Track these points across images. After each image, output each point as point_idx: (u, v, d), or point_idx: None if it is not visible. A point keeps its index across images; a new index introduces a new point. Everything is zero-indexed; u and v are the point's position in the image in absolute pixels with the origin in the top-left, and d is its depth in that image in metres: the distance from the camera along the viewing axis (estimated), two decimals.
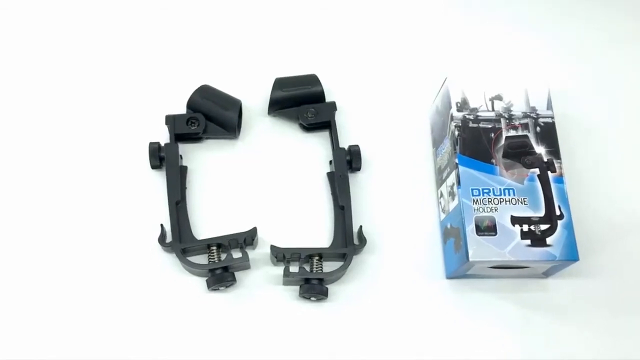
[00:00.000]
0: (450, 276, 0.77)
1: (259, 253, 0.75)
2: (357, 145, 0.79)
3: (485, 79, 0.78)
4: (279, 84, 0.79)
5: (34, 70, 0.83)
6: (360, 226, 0.75)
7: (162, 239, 0.72)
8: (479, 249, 0.70)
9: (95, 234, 0.75)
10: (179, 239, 0.72)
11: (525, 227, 0.70)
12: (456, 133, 0.75)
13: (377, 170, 0.80)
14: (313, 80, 0.80)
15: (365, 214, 0.77)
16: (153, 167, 0.76)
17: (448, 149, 0.77)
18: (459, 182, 0.73)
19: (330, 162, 0.79)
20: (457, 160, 0.74)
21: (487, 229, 0.71)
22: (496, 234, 0.71)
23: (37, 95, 0.82)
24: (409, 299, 0.74)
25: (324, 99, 0.80)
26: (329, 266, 0.73)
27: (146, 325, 0.72)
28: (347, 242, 0.74)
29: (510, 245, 0.70)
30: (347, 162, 0.77)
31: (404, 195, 0.79)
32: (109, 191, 0.77)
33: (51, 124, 0.80)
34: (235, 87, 0.80)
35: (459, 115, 0.76)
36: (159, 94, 0.81)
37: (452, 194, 0.75)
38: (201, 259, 0.73)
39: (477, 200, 0.72)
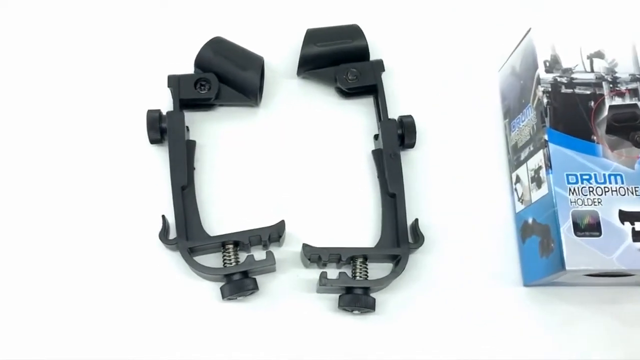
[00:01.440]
0: (530, 283, 0.61)
1: (287, 252, 0.62)
2: (410, 116, 0.65)
3: (581, 31, 0.62)
4: (312, 37, 0.65)
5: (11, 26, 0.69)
6: (416, 219, 0.62)
7: (163, 234, 0.59)
8: (579, 254, 0.54)
9: (79, 228, 0.62)
10: (186, 235, 0.59)
11: (638, 226, 0.54)
12: (545, 101, 0.58)
13: (434, 147, 0.67)
14: (355, 32, 0.65)
15: (421, 203, 0.64)
16: (152, 141, 0.63)
17: (530, 122, 0.60)
18: (549, 166, 0.56)
19: (376, 136, 0.66)
20: (546, 137, 0.57)
21: (588, 227, 0.54)
22: (600, 234, 0.54)
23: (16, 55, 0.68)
24: (476, 311, 0.61)
25: (369, 56, 0.66)
26: (375, 270, 0.61)
27: (144, 343, 0.59)
28: (400, 239, 0.61)
29: (619, 249, 0.54)
30: (398, 137, 0.64)
31: (468, 180, 0.66)
32: (96, 173, 0.64)
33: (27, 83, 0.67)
34: (255, 41, 0.67)
35: (548, 77, 0.59)
36: (159, 49, 0.68)
37: (536, 180, 0.59)
38: (214, 261, 0.61)
39: (574, 190, 0.55)
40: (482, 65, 0.69)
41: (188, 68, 0.65)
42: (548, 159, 0.57)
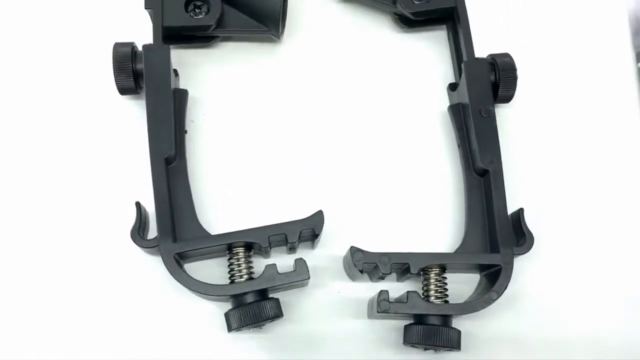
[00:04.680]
0: None
1: (323, 258, 0.46)
2: (507, 55, 0.47)
3: None
4: None
5: None
6: (520, 209, 0.44)
7: (138, 231, 0.43)
8: None
9: (20, 219, 0.46)
10: (172, 234, 0.43)
11: None
12: None
13: (539, 103, 0.50)
14: None
15: (523, 185, 0.47)
16: (122, 91, 0.47)
17: None
18: None
19: (453, 86, 0.50)
20: None
21: None
22: None
23: None
24: (608, 347, 0.44)
25: None
26: (455, 285, 0.44)
27: None
28: (497, 240, 0.43)
29: None
30: (490, 86, 0.45)
31: (590, 152, 0.49)
32: (44, 137, 0.48)
33: None
34: None
35: None
36: None
37: None
38: (215, 271, 0.45)
39: None
40: None
41: None
42: None
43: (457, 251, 0.44)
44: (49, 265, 0.44)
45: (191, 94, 0.47)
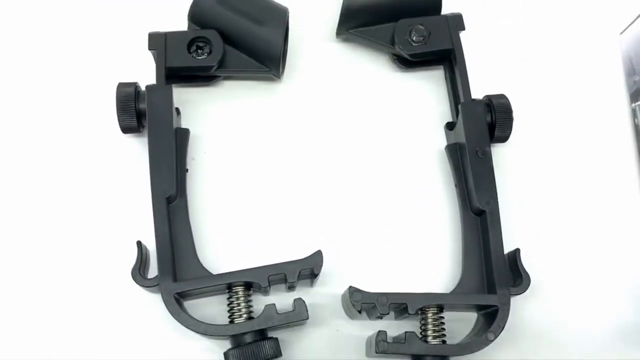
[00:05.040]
0: None
1: (321, 296, 0.46)
2: (503, 96, 0.47)
3: None
4: None
5: None
6: (517, 250, 0.44)
7: (139, 270, 0.43)
8: None
9: (18, 257, 0.46)
10: (173, 273, 0.43)
11: None
12: None
13: (534, 142, 0.50)
14: None
15: (519, 224, 0.47)
16: (125, 130, 0.47)
17: None
18: None
19: (451, 125, 0.50)
20: None
21: None
22: None
23: None
24: None
25: (440, 8, 0.50)
26: (455, 323, 0.44)
27: None
28: (493, 280, 0.43)
29: None
30: (487, 127, 0.46)
31: (584, 189, 0.49)
32: (45, 175, 0.48)
33: None
34: None
35: None
36: None
37: None
38: (215, 309, 0.45)
39: None
40: (596, 26, 0.53)
41: (180, 23, 0.48)
42: None
43: (455, 291, 0.44)
44: (50, 303, 0.44)
45: (192, 131, 0.48)
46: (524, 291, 0.43)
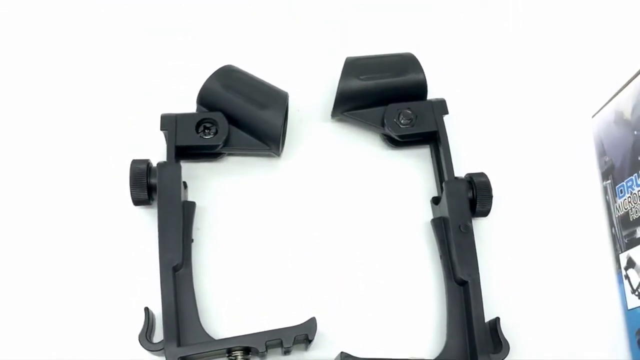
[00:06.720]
0: None
1: (314, 358, 0.48)
2: (483, 174, 0.51)
3: None
4: (353, 67, 0.53)
5: None
6: (496, 318, 0.47)
7: (146, 335, 0.45)
8: None
9: (35, 320, 0.48)
10: (177, 338, 0.45)
11: None
12: None
13: (512, 216, 0.53)
14: (409, 62, 0.53)
15: (499, 294, 0.50)
16: (136, 202, 0.50)
17: None
18: None
19: (436, 200, 0.53)
20: None
21: None
22: None
23: None
24: None
25: (426, 94, 0.53)
26: None
27: None
28: (475, 347, 0.46)
29: None
30: (468, 202, 0.49)
31: (558, 262, 0.52)
32: (60, 244, 0.50)
33: None
34: (277, 72, 0.55)
35: None
36: (150, 80, 0.56)
37: None
38: None
39: None
40: (570, 109, 0.56)
41: (189, 106, 0.52)
42: None
43: (440, 357, 0.46)
44: None
45: (198, 203, 0.51)
46: (504, 358, 0.45)
